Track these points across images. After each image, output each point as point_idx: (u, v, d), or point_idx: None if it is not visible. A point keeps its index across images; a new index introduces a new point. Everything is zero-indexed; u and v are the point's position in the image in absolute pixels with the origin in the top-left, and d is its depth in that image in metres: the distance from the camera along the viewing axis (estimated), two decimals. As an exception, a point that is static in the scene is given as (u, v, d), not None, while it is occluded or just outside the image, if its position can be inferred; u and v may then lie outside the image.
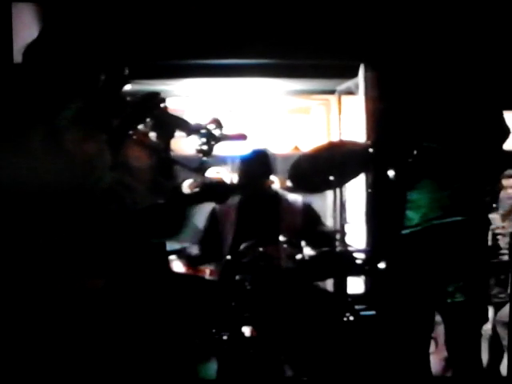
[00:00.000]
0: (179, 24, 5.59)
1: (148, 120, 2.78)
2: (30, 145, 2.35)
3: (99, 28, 2.64)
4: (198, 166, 2.94)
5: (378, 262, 3.99)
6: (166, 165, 2.84)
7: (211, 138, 2.86)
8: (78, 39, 2.48)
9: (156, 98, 2.80)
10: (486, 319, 3.91)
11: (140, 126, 2.81)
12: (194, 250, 4.81)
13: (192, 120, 2.91)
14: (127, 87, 2.85)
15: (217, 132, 2.88)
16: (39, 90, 2.41)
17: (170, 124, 2.82)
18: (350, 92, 6.57)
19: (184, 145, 2.96)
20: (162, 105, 2.79)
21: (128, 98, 2.80)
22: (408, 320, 3.67)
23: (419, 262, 3.62)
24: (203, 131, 2.86)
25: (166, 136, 2.81)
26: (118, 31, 2.99)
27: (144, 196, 2.77)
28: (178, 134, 2.85)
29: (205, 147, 2.87)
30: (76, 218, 2.38)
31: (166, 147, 2.82)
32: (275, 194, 4.90)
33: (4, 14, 3.94)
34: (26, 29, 4.63)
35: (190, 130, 2.87)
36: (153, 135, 2.82)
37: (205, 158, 2.89)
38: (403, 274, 3.70)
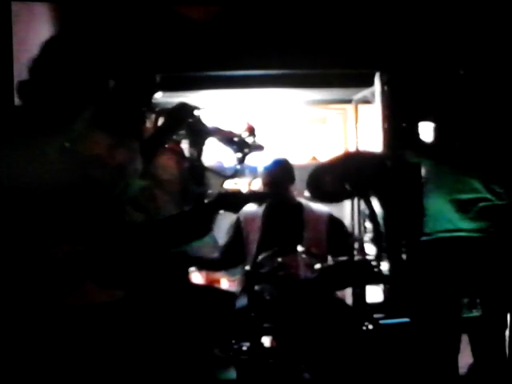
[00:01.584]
0: (196, 36, 5.62)
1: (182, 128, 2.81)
2: (50, 152, 2.38)
3: (115, 34, 2.67)
4: (230, 174, 2.96)
5: (395, 271, 3.99)
6: (199, 172, 2.86)
7: (244, 146, 2.88)
8: (93, 44, 2.50)
9: (190, 108, 2.82)
10: (506, 325, 3.89)
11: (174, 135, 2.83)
12: (215, 255, 4.83)
13: (225, 128, 2.93)
14: (158, 95, 2.87)
15: (250, 140, 2.89)
16: (57, 96, 2.44)
17: (203, 132, 2.83)
18: (366, 101, 6.58)
19: (217, 152, 2.98)
20: (195, 113, 2.81)
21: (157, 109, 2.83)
22: (433, 329, 3.66)
23: (432, 273, 3.61)
24: (236, 139, 2.88)
25: (199, 143, 2.83)
26: (136, 40, 3.02)
27: (170, 209, 2.79)
28: (212, 141, 2.87)
29: (238, 155, 2.88)
30: (99, 224, 2.40)
31: (199, 154, 2.84)
32: (299, 204, 4.92)
33: (4, 13, 3.95)
34: (42, 29, 4.68)
35: (224, 137, 2.89)
36: (186, 142, 2.85)
37: (238, 166, 2.90)
38: (418, 284, 3.70)
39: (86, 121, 2.45)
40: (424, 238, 3.70)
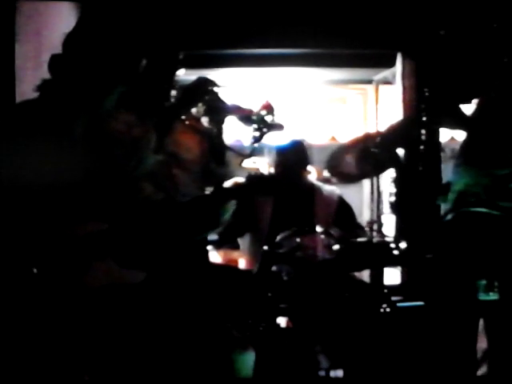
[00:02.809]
0: (218, 14, 5.60)
1: (200, 105, 2.80)
2: (73, 133, 2.38)
3: (140, 14, 2.66)
4: (248, 153, 2.95)
5: (416, 253, 3.96)
6: (218, 150, 2.85)
7: (263, 125, 2.86)
8: (117, 26, 2.49)
9: (209, 83, 2.81)
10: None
11: (193, 111, 2.82)
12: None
13: (244, 106, 2.91)
14: (181, 72, 2.86)
15: (269, 118, 2.88)
16: (81, 78, 2.44)
17: (222, 109, 2.82)
18: (387, 81, 6.54)
19: (235, 131, 2.97)
20: (214, 90, 2.80)
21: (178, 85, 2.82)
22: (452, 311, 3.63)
23: (457, 249, 3.55)
24: (255, 117, 2.87)
25: (219, 121, 2.82)
26: (160, 19, 3.01)
27: (190, 188, 2.78)
28: (230, 119, 2.86)
29: (256, 133, 2.87)
30: (121, 201, 2.40)
31: (219, 132, 2.83)
32: (311, 185, 4.90)
33: (7, 10, 3.95)
34: (62, 20, 4.68)
35: (242, 115, 2.87)
36: (205, 120, 2.83)
37: (256, 145, 2.89)
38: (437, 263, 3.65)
39: (115, 97, 2.45)
40: (449, 216, 3.63)
